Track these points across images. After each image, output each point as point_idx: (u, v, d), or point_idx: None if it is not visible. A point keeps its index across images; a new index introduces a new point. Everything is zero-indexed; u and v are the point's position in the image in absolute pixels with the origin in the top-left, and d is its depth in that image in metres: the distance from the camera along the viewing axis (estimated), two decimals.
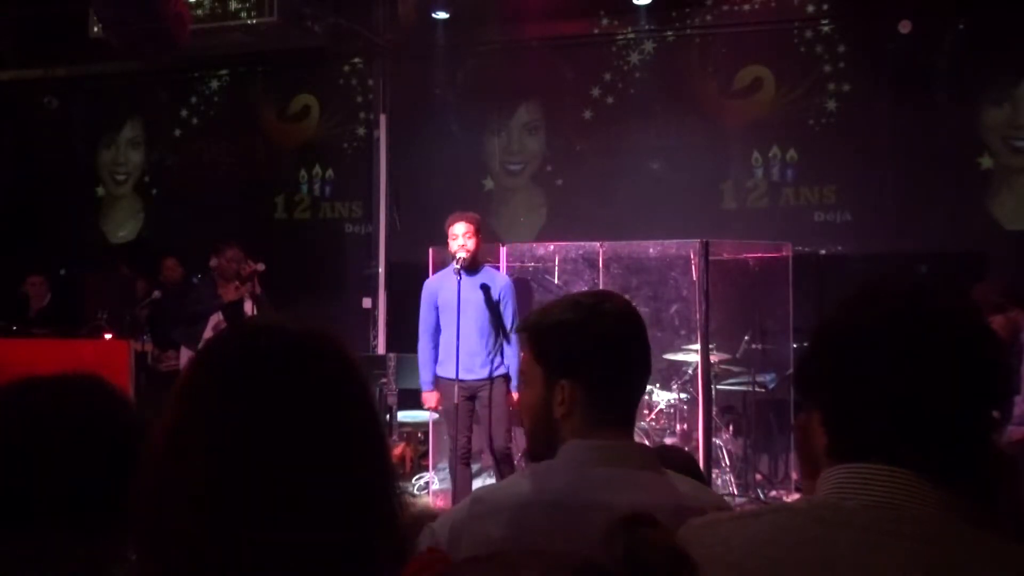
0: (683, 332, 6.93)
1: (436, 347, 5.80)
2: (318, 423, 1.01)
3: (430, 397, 5.87)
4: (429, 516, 2.31)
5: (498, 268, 6.56)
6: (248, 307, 7.05)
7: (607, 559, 0.91)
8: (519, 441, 7.10)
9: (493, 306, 5.62)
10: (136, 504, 1.01)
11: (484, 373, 5.64)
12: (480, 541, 1.59)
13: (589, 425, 1.67)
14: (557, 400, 1.68)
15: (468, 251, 5.62)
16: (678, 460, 2.23)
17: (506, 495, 1.67)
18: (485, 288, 5.59)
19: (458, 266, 5.59)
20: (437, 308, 5.77)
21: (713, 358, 6.49)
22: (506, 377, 5.77)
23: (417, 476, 7.32)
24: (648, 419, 6.59)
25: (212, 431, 0.99)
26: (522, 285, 7.15)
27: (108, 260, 9.02)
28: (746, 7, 7.92)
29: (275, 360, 1.03)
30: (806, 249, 7.44)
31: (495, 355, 5.67)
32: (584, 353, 1.69)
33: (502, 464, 5.71)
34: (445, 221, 5.78)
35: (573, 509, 1.56)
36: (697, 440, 6.33)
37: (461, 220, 5.68)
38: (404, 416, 7.64)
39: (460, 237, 5.63)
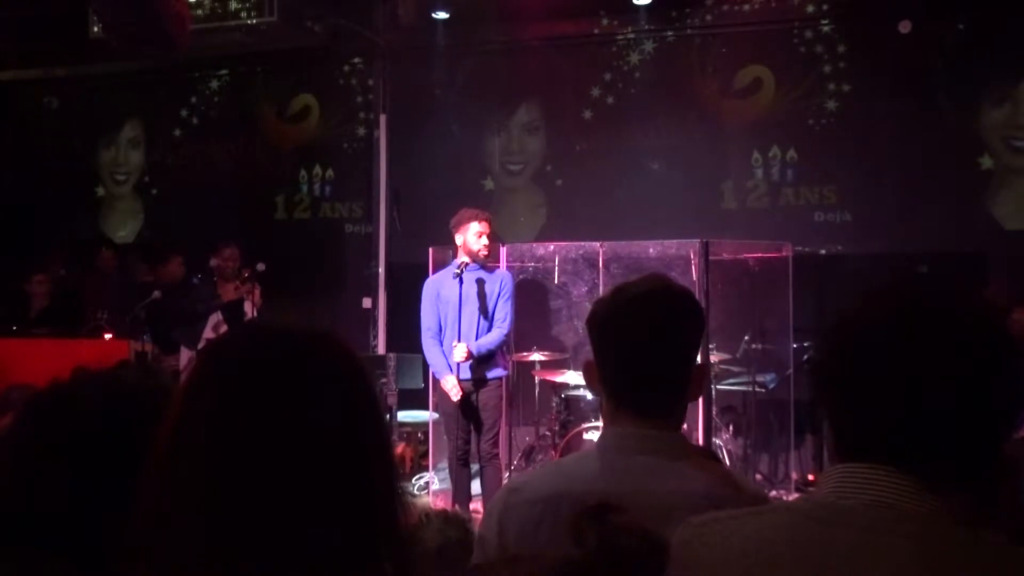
0: None
1: (441, 342, 5.76)
2: (320, 425, 1.00)
3: (451, 381, 5.58)
4: (436, 513, 2.32)
5: (498, 268, 6.57)
6: (248, 307, 7.06)
7: (576, 549, 0.89)
8: (519, 442, 7.12)
9: (491, 305, 5.65)
10: (137, 505, 1.01)
11: (478, 374, 5.64)
12: (519, 531, 1.61)
13: (613, 409, 1.68)
14: (592, 382, 1.71)
15: (488, 248, 5.68)
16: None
17: (540, 485, 1.68)
18: (482, 284, 5.62)
19: (458, 270, 5.59)
20: (439, 308, 5.77)
21: (713, 358, 6.49)
22: (500, 380, 5.78)
23: (417, 476, 7.32)
24: None
25: (211, 433, 0.99)
26: (522, 285, 7.15)
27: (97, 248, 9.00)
28: (746, 7, 7.92)
29: (276, 362, 1.03)
30: (806, 249, 7.43)
31: (491, 357, 5.67)
32: (597, 335, 1.69)
33: (486, 468, 5.70)
34: (456, 215, 5.75)
35: (604, 498, 1.56)
36: (697, 440, 6.32)
37: (485, 220, 5.70)
38: (404, 416, 7.64)
39: (485, 237, 5.66)
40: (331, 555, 0.97)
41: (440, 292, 5.74)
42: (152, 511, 0.99)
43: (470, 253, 5.63)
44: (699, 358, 1.72)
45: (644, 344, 1.64)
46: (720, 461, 2.24)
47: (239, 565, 0.95)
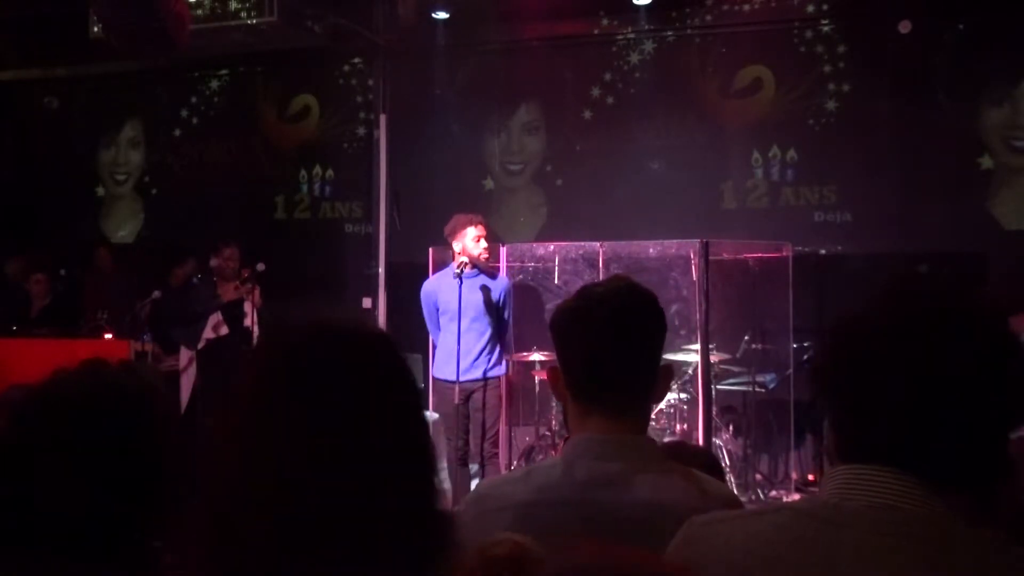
0: (683, 332, 6.92)
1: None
2: (379, 425, 1.01)
3: None
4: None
5: (498, 268, 6.58)
6: (248, 307, 7.06)
7: None
8: (519, 442, 7.12)
9: (493, 307, 5.66)
10: (197, 507, 1.01)
11: (478, 374, 5.66)
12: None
13: (581, 413, 1.66)
14: (556, 386, 1.69)
15: (488, 250, 5.70)
16: (700, 460, 2.19)
17: (508, 492, 1.66)
18: (485, 289, 5.64)
19: (459, 270, 5.60)
20: (438, 309, 5.79)
21: (713, 358, 6.49)
22: (499, 380, 5.81)
23: None
24: None
25: (275, 433, 0.99)
26: (522, 285, 7.16)
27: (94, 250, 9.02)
28: (746, 7, 7.91)
29: (342, 361, 1.04)
30: (806, 249, 7.43)
31: (490, 356, 5.70)
32: (563, 337, 1.68)
33: (487, 465, 5.73)
34: (450, 223, 5.78)
35: (576, 509, 1.56)
36: (697, 440, 6.32)
37: (480, 223, 5.73)
38: None
39: (483, 240, 5.68)
40: (389, 552, 0.97)
41: (439, 297, 5.76)
42: (212, 516, 0.99)
43: (471, 258, 5.64)
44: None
45: (610, 343, 1.62)
46: (713, 466, 2.23)
47: (304, 563, 0.95)
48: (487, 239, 5.78)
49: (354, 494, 0.97)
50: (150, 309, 7.30)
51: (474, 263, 5.63)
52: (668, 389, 1.74)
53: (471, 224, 5.68)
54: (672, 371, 1.72)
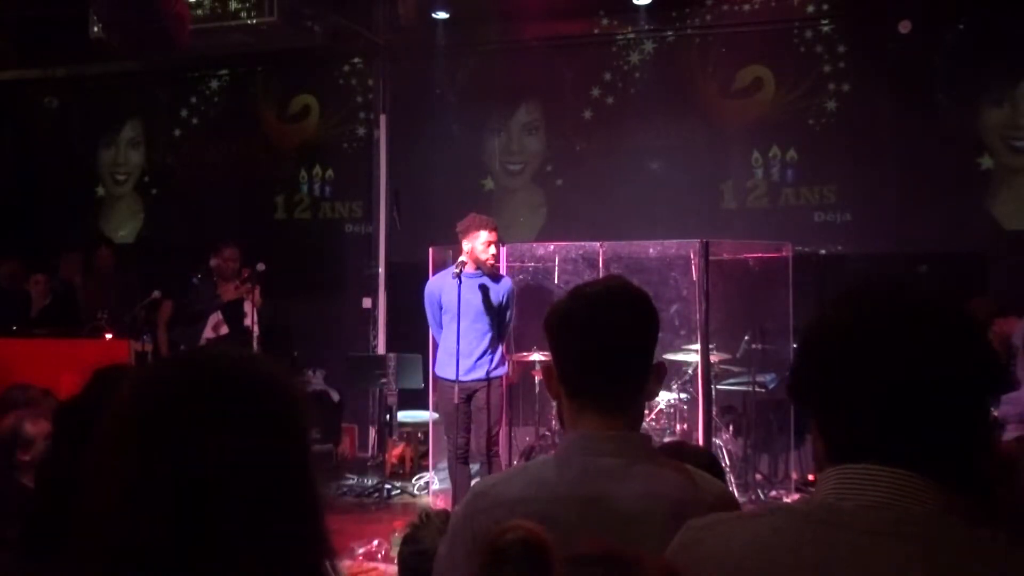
0: (683, 332, 6.93)
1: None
2: (240, 462, 1.00)
3: None
4: (436, 513, 2.31)
5: (501, 270, 6.58)
6: (248, 307, 7.06)
7: None
8: (519, 442, 7.12)
9: (493, 308, 5.67)
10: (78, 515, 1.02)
11: (481, 373, 5.67)
12: (485, 536, 1.59)
13: (574, 410, 1.67)
14: (551, 384, 1.71)
15: (495, 258, 5.69)
16: (699, 460, 2.19)
17: (504, 489, 1.67)
18: (485, 289, 5.65)
19: (457, 270, 5.61)
20: (441, 308, 5.81)
21: (713, 358, 6.49)
22: (501, 379, 5.82)
23: (417, 476, 7.32)
24: (648, 419, 6.59)
25: (133, 461, 0.99)
26: (522, 285, 7.16)
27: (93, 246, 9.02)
28: (746, 7, 7.92)
29: (198, 400, 1.02)
30: (806, 249, 7.44)
31: (492, 355, 5.71)
32: (557, 334, 1.70)
33: (491, 465, 5.75)
34: (465, 221, 5.76)
35: (570, 503, 1.57)
36: (697, 440, 6.32)
37: (495, 229, 5.72)
38: (404, 416, 7.64)
39: (493, 246, 5.68)
40: None
41: (441, 296, 5.78)
42: (86, 524, 1.00)
43: (477, 261, 5.65)
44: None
45: (602, 341, 1.64)
46: (713, 465, 2.23)
47: None
48: (496, 246, 5.78)
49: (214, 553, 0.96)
50: (171, 309, 7.33)
51: (478, 266, 5.64)
52: (661, 386, 1.76)
53: (485, 228, 5.67)
54: (665, 369, 1.74)
